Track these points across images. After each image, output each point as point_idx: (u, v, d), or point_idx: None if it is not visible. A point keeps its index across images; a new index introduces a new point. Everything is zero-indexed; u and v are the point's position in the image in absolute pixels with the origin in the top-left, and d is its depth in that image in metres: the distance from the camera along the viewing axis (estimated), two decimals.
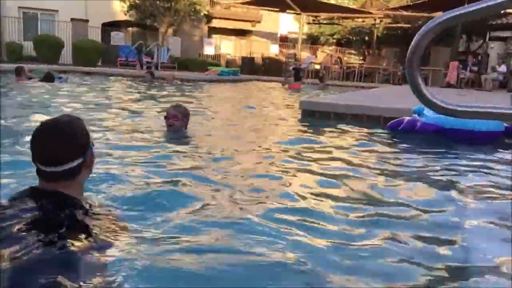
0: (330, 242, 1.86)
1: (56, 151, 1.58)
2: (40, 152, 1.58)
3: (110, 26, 21.32)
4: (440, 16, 1.41)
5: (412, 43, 1.45)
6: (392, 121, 5.03)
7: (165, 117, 4.07)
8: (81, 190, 1.69)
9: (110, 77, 13.33)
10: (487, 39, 22.54)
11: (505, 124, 4.64)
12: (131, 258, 1.51)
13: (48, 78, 9.15)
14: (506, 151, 4.31)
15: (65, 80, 9.88)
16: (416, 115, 4.94)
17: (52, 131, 1.61)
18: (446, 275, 1.66)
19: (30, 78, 9.03)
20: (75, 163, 1.59)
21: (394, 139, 4.68)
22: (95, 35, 20.21)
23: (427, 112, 4.83)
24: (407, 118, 4.91)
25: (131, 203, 2.13)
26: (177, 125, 4.04)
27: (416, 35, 1.44)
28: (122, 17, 21.28)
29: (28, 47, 18.21)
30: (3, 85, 8.37)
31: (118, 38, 19.92)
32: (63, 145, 1.59)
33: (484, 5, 1.33)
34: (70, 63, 18.00)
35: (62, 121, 1.65)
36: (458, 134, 4.56)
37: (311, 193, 2.54)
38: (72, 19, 19.45)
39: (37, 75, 9.51)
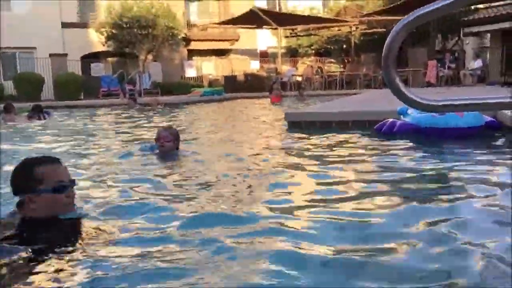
0: (329, 251, 1.86)
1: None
2: None
3: (89, 58, 21.35)
4: (408, 15, 1.45)
5: (385, 44, 1.49)
6: (378, 124, 5.08)
7: (156, 139, 4.07)
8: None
9: (94, 109, 13.30)
10: (461, 36, 23.00)
11: (487, 118, 4.70)
12: None
13: (36, 111, 9.12)
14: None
15: (51, 115, 9.84)
16: (401, 116, 4.99)
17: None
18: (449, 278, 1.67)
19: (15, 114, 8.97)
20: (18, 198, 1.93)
21: (379, 141, 4.72)
22: (74, 68, 20.20)
23: (411, 112, 4.89)
24: (390, 120, 4.97)
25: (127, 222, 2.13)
26: (168, 146, 4.04)
27: (389, 35, 1.48)
28: (100, 48, 21.34)
29: (9, 87, 18.12)
30: None
31: (98, 69, 19.95)
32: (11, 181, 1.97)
33: (446, 2, 1.38)
34: (52, 98, 17.93)
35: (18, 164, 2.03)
36: (435, 132, 4.59)
37: (305, 201, 2.55)
38: (50, 55, 19.45)
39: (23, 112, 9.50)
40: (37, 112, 9.10)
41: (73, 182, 2.04)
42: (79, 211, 2.19)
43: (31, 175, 1.92)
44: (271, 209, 2.40)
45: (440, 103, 1.49)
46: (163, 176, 3.31)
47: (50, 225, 1.88)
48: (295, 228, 2.10)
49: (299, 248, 1.84)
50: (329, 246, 1.87)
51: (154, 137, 4.19)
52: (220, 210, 2.36)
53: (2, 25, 19.55)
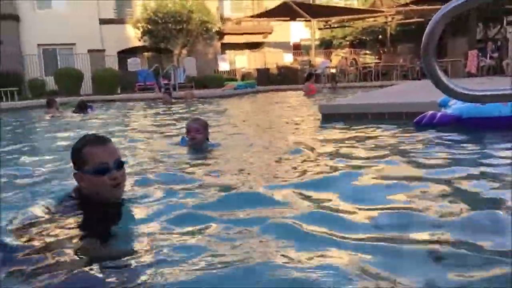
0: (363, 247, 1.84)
1: None
2: None
3: (125, 53, 21.85)
4: (448, 4, 1.41)
5: (425, 34, 1.45)
6: (418, 117, 4.93)
7: (187, 132, 4.05)
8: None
9: (130, 103, 13.61)
10: (504, 24, 22.04)
11: None
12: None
13: (82, 107, 9.59)
14: None
15: (94, 109, 10.26)
16: (442, 108, 4.84)
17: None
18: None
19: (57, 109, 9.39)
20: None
21: (416, 133, 4.59)
22: (112, 63, 20.74)
23: (453, 103, 4.74)
24: (430, 112, 4.83)
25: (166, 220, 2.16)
26: (199, 138, 4.01)
27: (428, 27, 1.44)
28: (136, 43, 21.79)
29: (50, 82, 18.82)
30: (34, 120, 8.71)
31: (134, 64, 20.37)
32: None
33: None
34: (91, 92, 18.48)
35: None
36: (477, 123, 4.43)
37: (340, 198, 2.52)
38: (89, 50, 20.05)
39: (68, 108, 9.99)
40: (82, 108, 9.57)
41: (118, 165, 1.99)
42: (130, 198, 2.25)
43: (80, 154, 1.97)
44: (304, 204, 2.38)
45: (482, 93, 1.45)
46: (196, 173, 3.29)
47: (90, 208, 1.90)
48: (330, 223, 2.08)
49: (335, 245, 1.83)
50: (367, 242, 1.85)
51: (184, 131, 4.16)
52: (252, 208, 2.34)
53: (44, 23, 20.31)
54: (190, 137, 4.01)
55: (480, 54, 17.00)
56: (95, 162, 1.93)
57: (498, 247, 1.72)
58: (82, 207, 1.91)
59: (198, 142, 4.02)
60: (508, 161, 3.19)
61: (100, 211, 1.91)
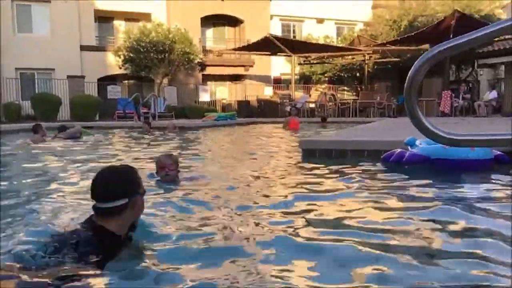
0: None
1: (102, 190, 2.02)
2: (92, 190, 2.04)
3: (106, 81, 21.76)
4: (432, 49, 1.46)
5: (408, 77, 1.49)
6: (385, 154, 5.06)
7: (160, 168, 3.94)
8: (122, 227, 2.04)
9: (109, 130, 13.45)
10: (475, 67, 23.01)
11: (495, 152, 4.66)
12: None
13: (62, 130, 9.74)
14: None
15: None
16: (409, 147, 4.98)
17: (103, 175, 2.09)
18: None
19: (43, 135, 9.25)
20: (116, 204, 1.98)
21: (392, 172, 4.66)
22: (91, 90, 20.58)
23: (419, 143, 4.90)
24: (398, 150, 4.95)
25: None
26: (173, 174, 3.96)
27: (412, 69, 1.48)
28: (117, 70, 21.77)
29: (26, 106, 18.48)
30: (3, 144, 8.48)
31: (114, 91, 20.29)
32: (107, 187, 2.03)
33: (473, 36, 1.39)
34: (68, 119, 18.21)
35: (116, 169, 2.25)
36: (445, 164, 4.57)
37: (316, 231, 2.51)
38: (68, 76, 19.87)
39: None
40: (61, 131, 9.65)
41: None
42: None
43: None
44: (274, 240, 2.36)
45: (462, 137, 1.48)
46: (172, 205, 3.25)
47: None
48: (299, 262, 2.06)
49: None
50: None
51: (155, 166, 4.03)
52: (223, 242, 2.32)
53: (23, 47, 20.14)
54: (164, 173, 3.93)
55: (453, 94, 17.62)
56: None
57: None
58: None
59: (170, 178, 3.95)
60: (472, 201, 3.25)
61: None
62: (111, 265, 1.87)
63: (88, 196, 2.05)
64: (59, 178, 4.66)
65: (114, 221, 2.00)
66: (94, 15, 22.44)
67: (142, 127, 12.96)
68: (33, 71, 20.95)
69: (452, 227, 2.62)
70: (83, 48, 21.87)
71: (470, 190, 3.84)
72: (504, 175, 4.31)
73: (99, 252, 1.87)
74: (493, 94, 18.78)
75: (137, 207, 2.08)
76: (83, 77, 20.49)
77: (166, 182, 3.93)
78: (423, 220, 2.76)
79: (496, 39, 17.17)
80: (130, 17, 23.83)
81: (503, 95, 18.90)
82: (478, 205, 3.17)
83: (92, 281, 1.73)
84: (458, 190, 3.82)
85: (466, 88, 19.65)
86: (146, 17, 23.29)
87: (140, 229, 2.22)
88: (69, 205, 3.22)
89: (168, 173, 3.94)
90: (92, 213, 2.05)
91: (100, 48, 22.65)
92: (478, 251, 2.17)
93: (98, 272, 1.78)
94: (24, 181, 4.51)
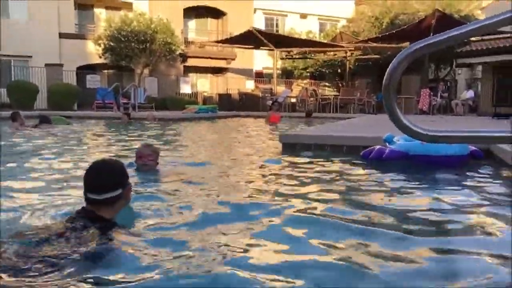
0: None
1: (97, 183, 2.17)
2: (87, 183, 2.17)
3: (85, 70, 21.38)
4: (410, 46, 1.48)
5: (386, 73, 1.51)
6: (364, 150, 5.14)
7: (138, 157, 3.93)
8: (115, 215, 2.21)
9: (87, 120, 13.25)
10: (454, 66, 23.46)
11: (471, 148, 4.80)
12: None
13: (44, 120, 9.48)
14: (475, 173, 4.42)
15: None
16: (387, 143, 5.06)
17: (96, 168, 2.25)
18: None
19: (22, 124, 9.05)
20: (112, 195, 2.15)
21: (372, 168, 4.74)
22: (70, 78, 20.20)
23: (397, 139, 4.99)
24: (378, 146, 5.03)
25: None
26: (151, 164, 3.94)
27: (390, 66, 1.50)
28: (97, 60, 21.41)
29: (2, 94, 18.03)
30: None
31: (93, 81, 19.95)
32: (102, 179, 2.18)
33: (450, 34, 1.42)
34: (45, 107, 17.85)
35: (107, 162, 2.43)
36: (423, 160, 4.68)
37: (293, 227, 2.54)
38: (46, 64, 19.44)
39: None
40: (44, 123, 9.40)
41: None
42: None
43: (124, 172, 2.31)
44: (250, 235, 2.37)
45: (440, 134, 1.52)
46: (149, 194, 3.24)
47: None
48: (275, 257, 2.08)
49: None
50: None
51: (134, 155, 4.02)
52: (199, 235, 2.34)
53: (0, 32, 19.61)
54: (142, 163, 3.91)
55: (431, 93, 17.93)
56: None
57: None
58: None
59: (148, 168, 3.94)
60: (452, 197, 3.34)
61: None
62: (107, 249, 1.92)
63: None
64: (37, 169, 4.58)
65: (108, 210, 2.16)
66: (74, 2, 21.98)
67: (121, 118, 12.81)
68: (9, 57, 20.41)
69: (428, 222, 2.68)
70: (62, 35, 21.42)
71: (447, 185, 3.94)
72: (479, 170, 4.45)
73: (98, 236, 1.97)
74: (470, 93, 19.20)
75: (128, 196, 2.30)
76: (61, 65, 20.08)
77: (143, 172, 3.90)
78: (401, 214, 2.82)
79: (474, 39, 17.55)
80: (111, 5, 23.45)
81: (479, 95, 19.34)
82: (456, 200, 3.26)
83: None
84: (435, 185, 3.90)
85: (444, 86, 20.02)
86: (127, 6, 22.95)
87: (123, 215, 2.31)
88: (51, 196, 3.17)
89: (146, 163, 3.92)
90: (79, 205, 2.20)
91: (79, 36, 22.23)
92: (452, 247, 2.23)
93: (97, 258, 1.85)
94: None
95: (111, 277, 1.75)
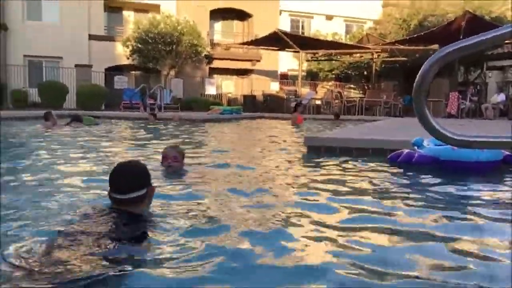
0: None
1: (124, 183, 2.26)
2: (113, 184, 2.26)
3: (113, 71, 21.80)
4: (442, 49, 1.45)
5: (418, 77, 1.49)
6: (392, 154, 5.04)
7: (164, 158, 3.97)
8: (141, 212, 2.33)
9: (115, 120, 13.50)
10: (484, 69, 22.87)
11: (504, 153, 4.65)
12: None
13: (75, 119, 9.85)
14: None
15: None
16: (416, 147, 4.96)
17: (121, 170, 2.36)
18: None
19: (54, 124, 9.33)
20: (138, 194, 2.25)
21: (399, 172, 4.66)
22: (98, 79, 20.64)
23: (426, 143, 4.88)
24: (406, 150, 4.93)
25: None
26: (176, 166, 3.97)
27: (421, 69, 1.48)
28: (125, 61, 21.81)
29: (33, 94, 18.57)
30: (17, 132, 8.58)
31: (121, 81, 20.32)
32: (128, 180, 2.28)
33: (484, 37, 1.38)
34: (74, 107, 18.28)
35: (132, 164, 2.54)
36: (454, 165, 4.54)
37: (318, 230, 2.52)
38: (76, 65, 19.93)
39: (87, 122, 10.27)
40: (75, 121, 9.72)
41: None
42: None
43: (147, 172, 2.41)
44: (276, 237, 2.37)
45: (469, 139, 1.48)
46: (172, 196, 3.26)
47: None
48: (301, 258, 2.07)
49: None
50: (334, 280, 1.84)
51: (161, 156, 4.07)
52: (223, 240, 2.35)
53: (32, 34, 20.21)
54: (167, 164, 3.94)
55: (460, 96, 17.52)
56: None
57: None
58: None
59: (174, 170, 3.96)
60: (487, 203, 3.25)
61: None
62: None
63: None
64: (67, 165, 4.70)
65: (134, 209, 2.26)
66: (104, 5, 22.45)
67: (147, 118, 13.00)
68: (41, 58, 21.04)
69: (459, 229, 2.62)
70: (91, 37, 21.92)
71: (478, 192, 3.83)
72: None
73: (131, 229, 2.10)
74: (501, 97, 18.66)
75: (151, 196, 2.40)
76: (90, 66, 20.54)
77: (168, 173, 3.94)
78: (430, 221, 2.76)
79: (506, 41, 17.07)
80: (139, 8, 23.84)
81: (511, 98, 18.78)
82: (486, 207, 3.17)
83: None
84: (466, 191, 3.80)
85: (474, 90, 19.55)
86: (155, 8, 23.29)
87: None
88: (77, 195, 3.24)
89: (170, 164, 3.95)
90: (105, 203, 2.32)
91: (108, 38, 22.70)
92: (481, 253, 2.17)
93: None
94: (34, 166, 4.55)
95: (143, 271, 1.79)
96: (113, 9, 23.54)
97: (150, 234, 2.16)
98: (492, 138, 1.46)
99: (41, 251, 1.85)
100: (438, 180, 4.15)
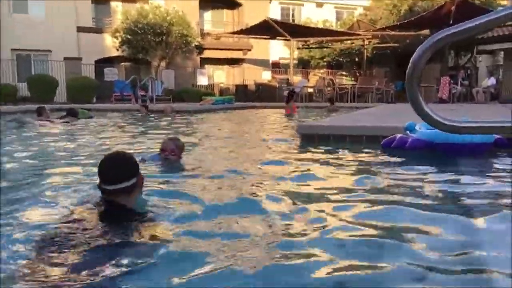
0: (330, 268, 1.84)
1: (113, 174, 2.26)
2: (103, 175, 2.25)
3: (103, 63, 21.58)
4: (433, 36, 1.45)
5: (410, 63, 1.48)
6: (385, 139, 5.07)
7: (162, 150, 3.99)
8: (132, 203, 2.31)
9: (106, 113, 13.41)
10: (474, 53, 22.93)
11: (495, 136, 4.69)
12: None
13: (71, 113, 9.70)
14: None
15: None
16: (408, 132, 4.98)
17: (111, 161, 2.36)
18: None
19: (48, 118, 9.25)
20: (127, 184, 2.24)
21: (393, 157, 4.69)
22: (88, 72, 20.43)
23: (418, 128, 4.91)
24: (399, 135, 4.95)
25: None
26: (173, 159, 3.98)
27: (413, 56, 1.47)
28: (114, 52, 21.58)
29: (23, 88, 18.35)
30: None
31: (111, 73, 20.13)
32: (118, 170, 2.28)
33: (476, 23, 1.38)
34: (65, 101, 18.12)
35: (120, 155, 2.49)
36: (448, 148, 4.59)
37: (312, 218, 2.53)
38: (65, 58, 19.69)
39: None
40: (71, 115, 9.61)
41: None
42: None
43: (135, 161, 2.41)
44: (272, 226, 2.39)
45: (463, 125, 1.48)
46: (167, 189, 3.26)
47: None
48: (298, 244, 2.09)
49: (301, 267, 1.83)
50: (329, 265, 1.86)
51: (159, 147, 4.08)
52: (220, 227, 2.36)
53: (19, 28, 19.91)
54: (164, 156, 3.96)
55: (451, 81, 17.59)
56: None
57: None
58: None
59: (171, 162, 3.98)
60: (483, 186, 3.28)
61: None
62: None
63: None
64: (61, 159, 4.67)
65: (125, 199, 2.27)
66: None
67: (139, 110, 12.93)
68: (29, 52, 20.74)
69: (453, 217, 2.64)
70: (79, 29, 21.64)
71: (472, 175, 3.86)
72: (504, 158, 4.38)
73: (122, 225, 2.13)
74: (492, 80, 18.76)
75: (141, 185, 2.41)
76: (80, 59, 20.32)
77: (164, 165, 3.95)
78: (423, 206, 2.78)
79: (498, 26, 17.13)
80: None
81: (501, 82, 18.89)
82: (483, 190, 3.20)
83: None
84: (460, 175, 3.83)
85: (464, 74, 19.62)
86: None
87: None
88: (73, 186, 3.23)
89: (167, 156, 3.96)
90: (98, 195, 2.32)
91: (97, 29, 22.42)
92: (477, 243, 2.19)
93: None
94: (28, 161, 4.52)
95: (134, 265, 1.80)
96: (100, 0, 23.22)
97: (141, 228, 2.16)
98: (483, 123, 1.46)
99: (34, 252, 1.87)
100: (431, 167, 4.18)
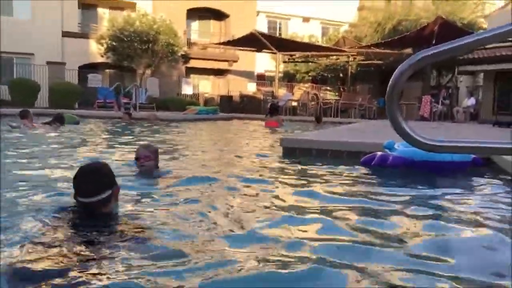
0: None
1: (88, 187, 2.22)
2: (78, 188, 2.23)
3: (87, 69, 21.37)
4: (415, 55, 1.47)
5: (390, 82, 1.49)
6: (364, 157, 5.10)
7: (136, 158, 3.91)
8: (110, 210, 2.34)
9: (89, 119, 13.23)
10: (456, 74, 23.45)
11: (472, 155, 4.79)
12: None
13: (58, 119, 9.37)
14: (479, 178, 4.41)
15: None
16: (387, 150, 5.03)
17: (85, 173, 2.30)
18: None
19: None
20: (103, 196, 2.23)
21: (373, 175, 4.72)
22: (72, 77, 20.20)
23: (397, 146, 4.97)
24: (379, 153, 5.00)
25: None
26: (149, 165, 3.90)
27: (394, 75, 1.49)
28: (99, 59, 21.41)
29: (3, 91, 18.02)
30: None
31: (95, 80, 19.93)
32: (93, 183, 2.24)
33: (455, 44, 1.40)
34: (47, 106, 17.84)
35: (96, 166, 2.45)
36: (428, 166, 4.67)
37: (291, 230, 2.52)
38: (48, 62, 19.44)
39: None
40: (57, 121, 9.30)
41: None
42: None
43: (111, 173, 2.40)
44: (249, 238, 2.37)
45: (441, 144, 1.50)
46: (140, 199, 3.19)
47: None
48: (277, 258, 2.07)
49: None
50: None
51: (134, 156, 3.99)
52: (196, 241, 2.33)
53: (2, 29, 19.61)
54: (140, 164, 3.88)
55: (433, 100, 17.92)
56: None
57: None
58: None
59: (147, 169, 3.90)
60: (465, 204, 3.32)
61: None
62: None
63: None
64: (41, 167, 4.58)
65: (101, 208, 2.27)
66: (78, 2, 22.00)
67: (122, 117, 12.80)
68: (11, 55, 20.42)
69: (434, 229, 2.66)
70: (65, 34, 21.43)
71: (451, 191, 3.91)
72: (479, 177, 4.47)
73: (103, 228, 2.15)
74: (472, 101, 19.19)
75: (117, 196, 2.42)
76: (63, 63, 20.08)
77: (143, 172, 3.88)
78: (401, 221, 2.80)
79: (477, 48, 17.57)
80: (114, 5, 23.47)
81: (480, 102, 19.34)
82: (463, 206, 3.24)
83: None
84: (437, 192, 3.88)
85: (446, 93, 20.02)
86: (131, 6, 22.98)
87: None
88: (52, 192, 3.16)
89: (143, 164, 3.88)
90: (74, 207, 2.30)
91: (82, 35, 22.24)
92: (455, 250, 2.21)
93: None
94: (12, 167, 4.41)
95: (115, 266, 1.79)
96: (87, 6, 23.10)
97: (119, 233, 2.17)
98: (460, 143, 1.49)
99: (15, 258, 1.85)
100: (404, 180, 4.23)
